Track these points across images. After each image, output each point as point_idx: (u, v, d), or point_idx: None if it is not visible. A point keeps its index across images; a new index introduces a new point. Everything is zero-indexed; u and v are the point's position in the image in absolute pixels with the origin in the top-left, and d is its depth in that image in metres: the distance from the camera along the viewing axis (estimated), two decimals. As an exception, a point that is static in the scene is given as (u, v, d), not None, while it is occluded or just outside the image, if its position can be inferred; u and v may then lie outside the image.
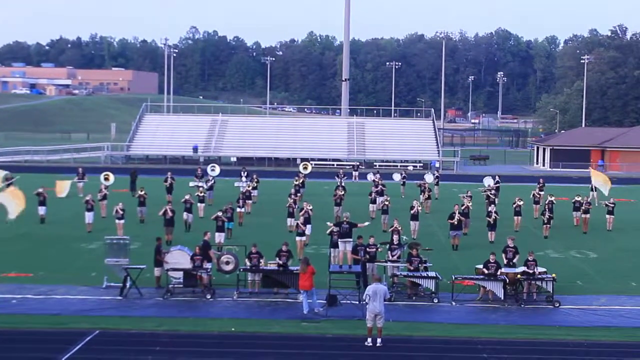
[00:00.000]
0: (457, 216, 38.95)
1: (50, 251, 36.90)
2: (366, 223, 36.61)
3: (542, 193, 52.67)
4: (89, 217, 42.65)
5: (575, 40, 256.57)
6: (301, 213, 38.42)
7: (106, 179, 53.83)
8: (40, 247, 37.78)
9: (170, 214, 39.16)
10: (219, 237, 36.54)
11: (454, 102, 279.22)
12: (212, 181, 55.74)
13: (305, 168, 65.77)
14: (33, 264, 33.47)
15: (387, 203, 45.41)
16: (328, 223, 35.34)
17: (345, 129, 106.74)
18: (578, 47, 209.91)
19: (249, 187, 52.81)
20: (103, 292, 28.83)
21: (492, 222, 40.96)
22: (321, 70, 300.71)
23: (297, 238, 36.12)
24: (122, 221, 40.61)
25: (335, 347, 23.31)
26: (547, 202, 45.48)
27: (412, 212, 42.23)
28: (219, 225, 37.12)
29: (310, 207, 39.24)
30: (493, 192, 52.82)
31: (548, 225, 43.06)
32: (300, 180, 56.43)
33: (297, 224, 36.96)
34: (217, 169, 63.50)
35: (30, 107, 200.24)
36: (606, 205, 47.48)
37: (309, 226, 37.84)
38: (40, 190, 46.10)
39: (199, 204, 47.38)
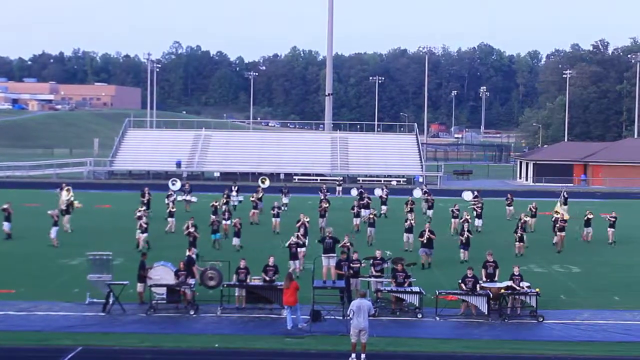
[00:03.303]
0: (426, 234, 38.11)
1: (32, 267, 36.63)
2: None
3: (511, 208, 53.88)
4: (53, 231, 42.64)
5: (557, 55, 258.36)
6: (298, 224, 38.87)
7: (68, 193, 53.59)
8: (22, 263, 37.52)
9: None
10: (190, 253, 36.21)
11: (437, 116, 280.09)
12: (174, 196, 55.39)
13: (263, 182, 66.33)
14: (14, 280, 33.23)
15: (372, 216, 45.51)
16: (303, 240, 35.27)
17: (328, 144, 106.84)
18: (560, 62, 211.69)
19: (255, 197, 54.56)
20: (86, 308, 28.65)
21: (464, 241, 39.81)
22: (304, 85, 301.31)
23: (298, 249, 36.21)
24: (145, 235, 41.33)
25: (319, 362, 23.29)
26: (521, 220, 44.65)
27: (406, 225, 42.59)
28: (190, 241, 37.05)
29: (307, 219, 39.92)
30: (480, 205, 53.01)
31: (521, 243, 42.02)
32: (260, 195, 56.59)
33: (297, 235, 37.00)
34: (178, 183, 63.92)
35: (12, 122, 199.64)
36: (608, 219, 48.32)
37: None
38: (6, 206, 45.74)
39: (169, 219, 47.54)
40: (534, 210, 52.18)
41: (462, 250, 39.64)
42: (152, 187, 61.77)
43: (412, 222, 43.30)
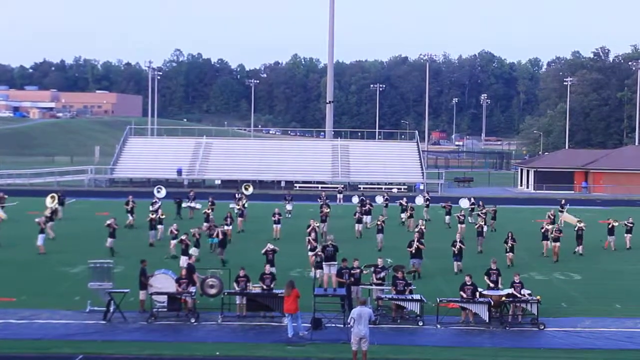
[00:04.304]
0: (415, 244, 37.32)
1: (33, 275, 36.59)
2: None
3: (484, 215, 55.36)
4: (40, 239, 42.74)
5: (558, 62, 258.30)
6: (309, 230, 39.50)
7: (52, 200, 53.82)
8: (22, 271, 37.50)
9: (221, 235, 40.00)
10: (183, 261, 36.26)
11: (438, 124, 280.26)
12: (159, 204, 55.42)
13: (246, 189, 66.56)
14: (15, 288, 33.19)
15: (379, 222, 46.48)
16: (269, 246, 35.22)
17: (329, 151, 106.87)
18: (561, 69, 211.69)
19: (241, 205, 53.91)
20: (86, 316, 28.60)
21: (456, 252, 38.81)
22: (305, 93, 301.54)
23: (310, 253, 37.12)
24: (175, 241, 41.28)
25: (320, 370, 23.24)
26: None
27: (417, 230, 42.81)
28: (183, 249, 37.09)
29: (317, 224, 41.16)
30: (483, 211, 53.34)
31: (511, 254, 40.68)
32: (243, 202, 56.49)
33: (309, 240, 37.92)
34: (163, 191, 64.10)
35: (13, 130, 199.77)
36: (625, 224, 48.78)
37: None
38: None
39: (159, 226, 47.54)
40: (552, 217, 52.25)
41: (455, 262, 38.73)
42: (153, 195, 61.87)
43: (423, 228, 43.75)
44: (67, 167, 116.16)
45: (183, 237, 37.68)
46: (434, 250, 42.01)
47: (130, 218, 53.75)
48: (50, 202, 53.04)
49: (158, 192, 63.42)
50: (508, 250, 40.71)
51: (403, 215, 58.80)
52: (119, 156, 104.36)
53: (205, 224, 46.71)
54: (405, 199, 61.40)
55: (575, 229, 46.31)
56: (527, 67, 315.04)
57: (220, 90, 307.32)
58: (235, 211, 55.29)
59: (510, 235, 41.30)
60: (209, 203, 54.91)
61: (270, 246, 34.80)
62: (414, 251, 37.30)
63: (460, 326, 28.15)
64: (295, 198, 69.75)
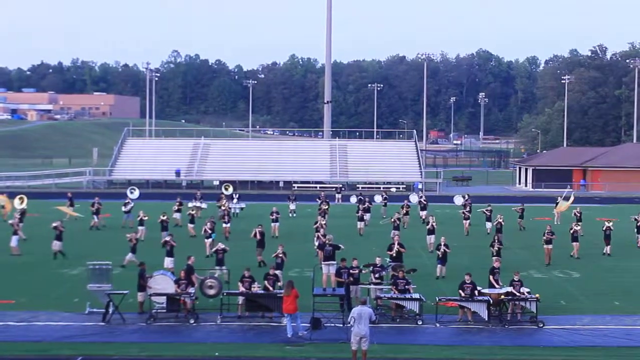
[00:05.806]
0: (395, 247, 36.07)
1: (32, 277, 36.56)
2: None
3: (425, 212, 57.56)
4: (13, 240, 42.83)
5: (555, 60, 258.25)
6: (316, 225, 41.48)
7: (21, 201, 53.93)
8: (21, 273, 37.45)
9: (259, 236, 40.08)
10: (168, 263, 36.21)
11: (436, 123, 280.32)
12: (132, 204, 55.41)
13: (226, 189, 66.79)
14: (14, 290, 33.15)
15: (393, 220, 47.59)
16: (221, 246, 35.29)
17: (327, 151, 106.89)
18: (559, 67, 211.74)
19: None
20: (86, 318, 28.54)
21: (440, 256, 37.13)
22: (303, 93, 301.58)
23: (319, 250, 37.42)
24: (210, 239, 41.73)
25: (319, 370, 23.22)
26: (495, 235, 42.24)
27: (428, 227, 44.27)
28: (167, 250, 37.06)
29: (324, 222, 42.86)
30: (489, 209, 53.50)
31: (499, 257, 36.71)
32: (224, 202, 56.56)
33: (317, 235, 38.81)
34: (137, 192, 64.42)
35: (11, 132, 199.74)
36: (636, 219, 48.71)
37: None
38: None
39: (139, 227, 47.85)
40: (578, 215, 52.26)
41: (438, 265, 37.09)
42: (152, 196, 61.80)
43: (434, 224, 44.70)
44: (66, 169, 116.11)
45: (167, 239, 37.66)
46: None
47: (96, 219, 53.93)
48: (19, 204, 53.24)
49: (131, 192, 63.95)
50: (494, 254, 37.90)
51: (423, 214, 59.27)
52: (117, 158, 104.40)
53: (189, 224, 49.21)
54: (423, 197, 62.64)
55: (603, 228, 45.90)
56: (524, 66, 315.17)
57: (218, 91, 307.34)
58: (236, 211, 55.48)
59: (497, 238, 40.02)
60: (177, 203, 55.30)
61: (221, 245, 34.85)
62: (394, 254, 35.82)
63: (460, 325, 28.12)
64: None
